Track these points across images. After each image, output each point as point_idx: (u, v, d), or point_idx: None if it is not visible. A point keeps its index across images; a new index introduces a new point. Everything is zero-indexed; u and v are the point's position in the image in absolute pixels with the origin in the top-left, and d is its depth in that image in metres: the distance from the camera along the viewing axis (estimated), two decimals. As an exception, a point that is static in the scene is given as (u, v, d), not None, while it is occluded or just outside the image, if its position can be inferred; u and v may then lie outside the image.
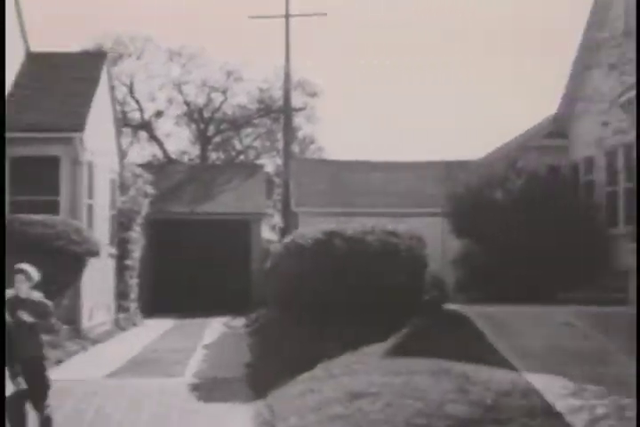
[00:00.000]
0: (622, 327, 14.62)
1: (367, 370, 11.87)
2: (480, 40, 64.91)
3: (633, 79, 15.22)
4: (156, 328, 24.03)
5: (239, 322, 25.13)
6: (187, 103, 44.79)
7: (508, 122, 52.91)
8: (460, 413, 10.03)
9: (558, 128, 25.48)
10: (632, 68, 14.97)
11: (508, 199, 22.80)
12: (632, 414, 10.22)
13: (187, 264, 31.77)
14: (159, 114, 44.49)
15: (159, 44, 44.31)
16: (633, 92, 17.84)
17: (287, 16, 35.96)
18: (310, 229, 16.39)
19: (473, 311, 15.17)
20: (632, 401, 10.46)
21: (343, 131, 56.98)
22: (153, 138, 45.02)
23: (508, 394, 10.55)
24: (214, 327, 24.23)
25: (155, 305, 29.37)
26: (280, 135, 40.31)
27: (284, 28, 35.57)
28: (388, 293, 14.12)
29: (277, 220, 36.54)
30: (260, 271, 26.65)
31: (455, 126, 60.50)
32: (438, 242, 29.20)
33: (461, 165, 28.77)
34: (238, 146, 46.42)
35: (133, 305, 26.32)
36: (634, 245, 18.51)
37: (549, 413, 10.14)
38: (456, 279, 24.90)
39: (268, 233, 34.74)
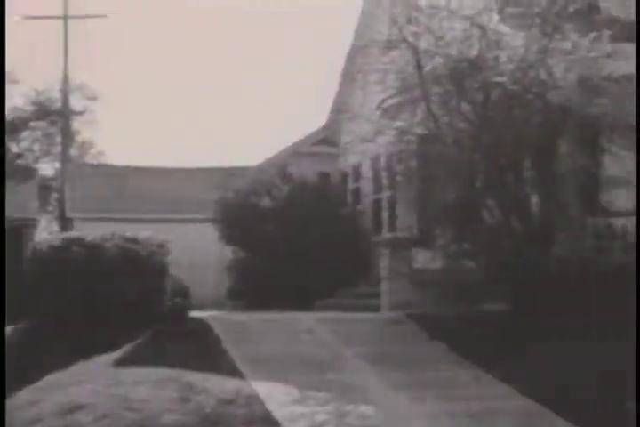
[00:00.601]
0: (365, 333, 14.78)
1: (93, 380, 11.58)
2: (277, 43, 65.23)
3: (379, 88, 15.39)
4: None
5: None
6: (-42, 104, 43.24)
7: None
8: (176, 423, 9.89)
9: (329, 136, 25.78)
10: (380, 76, 15.08)
11: (274, 206, 22.89)
12: (352, 420, 10.29)
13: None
14: None
15: None
16: (391, 101, 18.17)
17: (66, 17, 35.33)
18: (57, 235, 16.04)
19: (218, 319, 15.06)
20: (354, 407, 10.54)
21: (126, 136, 56.25)
22: None
23: (229, 402, 10.47)
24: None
25: None
26: (58, 139, 39.42)
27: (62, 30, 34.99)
28: (125, 299, 13.90)
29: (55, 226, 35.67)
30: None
31: (245, 132, 60.64)
32: (214, 248, 29.02)
33: (237, 172, 28.69)
34: (15, 149, 45.13)
35: None
36: (387, 252, 18.85)
37: (268, 421, 10.12)
38: (228, 286, 24.91)
39: (45, 239, 33.76)
